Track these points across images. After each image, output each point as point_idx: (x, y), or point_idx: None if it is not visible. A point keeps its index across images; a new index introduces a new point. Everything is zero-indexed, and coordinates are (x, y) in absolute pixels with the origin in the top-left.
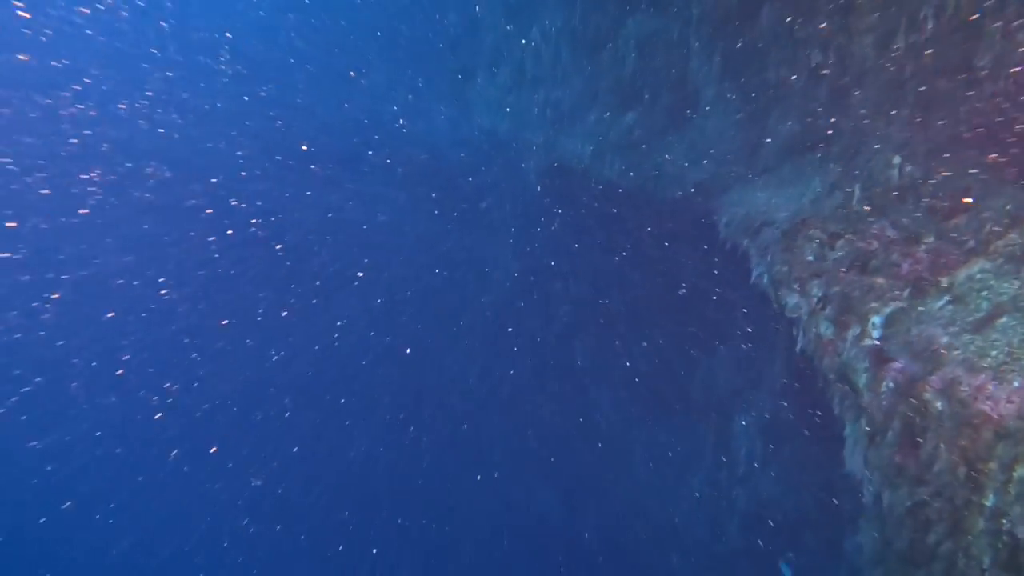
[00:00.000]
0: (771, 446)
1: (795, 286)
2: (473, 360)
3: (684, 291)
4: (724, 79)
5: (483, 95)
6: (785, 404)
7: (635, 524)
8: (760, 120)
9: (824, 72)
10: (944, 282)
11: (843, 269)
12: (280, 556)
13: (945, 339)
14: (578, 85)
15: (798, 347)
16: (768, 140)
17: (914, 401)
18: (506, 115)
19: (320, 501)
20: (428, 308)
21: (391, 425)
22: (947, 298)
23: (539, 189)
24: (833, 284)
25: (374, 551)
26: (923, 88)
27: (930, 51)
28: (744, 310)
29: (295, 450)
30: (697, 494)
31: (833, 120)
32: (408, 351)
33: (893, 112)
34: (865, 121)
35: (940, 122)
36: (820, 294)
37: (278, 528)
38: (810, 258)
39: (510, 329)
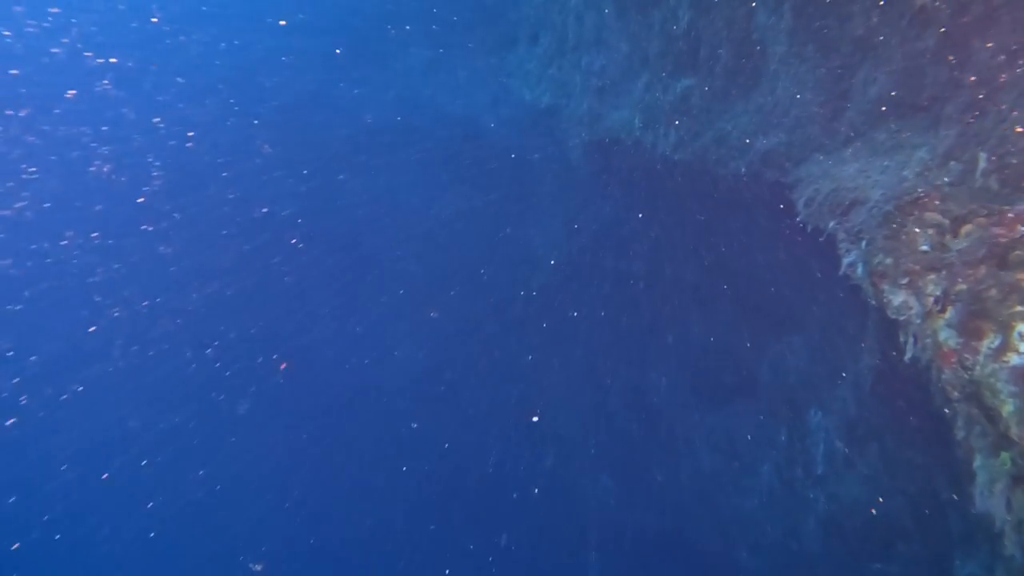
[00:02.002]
0: (855, 446)
1: (903, 281)
2: (525, 346)
3: (750, 275)
4: (797, 32)
5: (523, 67)
6: (872, 403)
7: (699, 515)
8: (844, 78)
9: (933, 13)
10: None
11: (973, 262)
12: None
13: None
14: (625, 49)
15: (908, 355)
16: (855, 102)
17: None
18: (548, 87)
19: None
20: (476, 293)
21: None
22: None
23: (586, 165)
24: (959, 281)
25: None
26: None
27: None
28: (820, 297)
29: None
30: (767, 488)
31: (946, 74)
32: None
33: None
34: (995, 72)
35: None
36: (940, 293)
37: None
38: (925, 247)
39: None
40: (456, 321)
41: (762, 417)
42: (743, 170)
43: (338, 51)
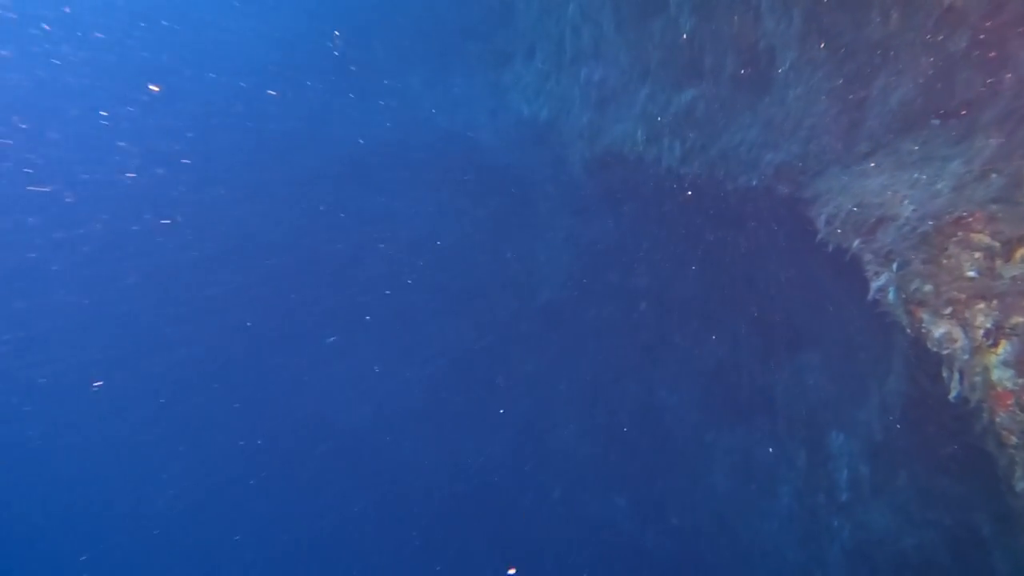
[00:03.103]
0: (881, 473)
1: (947, 312)
2: (531, 363)
3: (764, 292)
4: (808, 37)
5: (521, 81)
6: (901, 427)
7: (716, 538)
8: (862, 85)
9: (964, 13)
10: None
11: None
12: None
13: None
14: (625, 60)
15: (953, 394)
16: (875, 110)
17: None
18: (546, 101)
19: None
20: (479, 310)
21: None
22: None
23: (588, 181)
24: (1015, 312)
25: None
26: None
27: None
28: (838, 315)
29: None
30: (787, 512)
31: (980, 79)
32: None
33: None
34: None
35: None
36: (991, 325)
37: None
38: (972, 273)
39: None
40: (460, 339)
41: (779, 438)
42: (754, 183)
43: (336, 53)
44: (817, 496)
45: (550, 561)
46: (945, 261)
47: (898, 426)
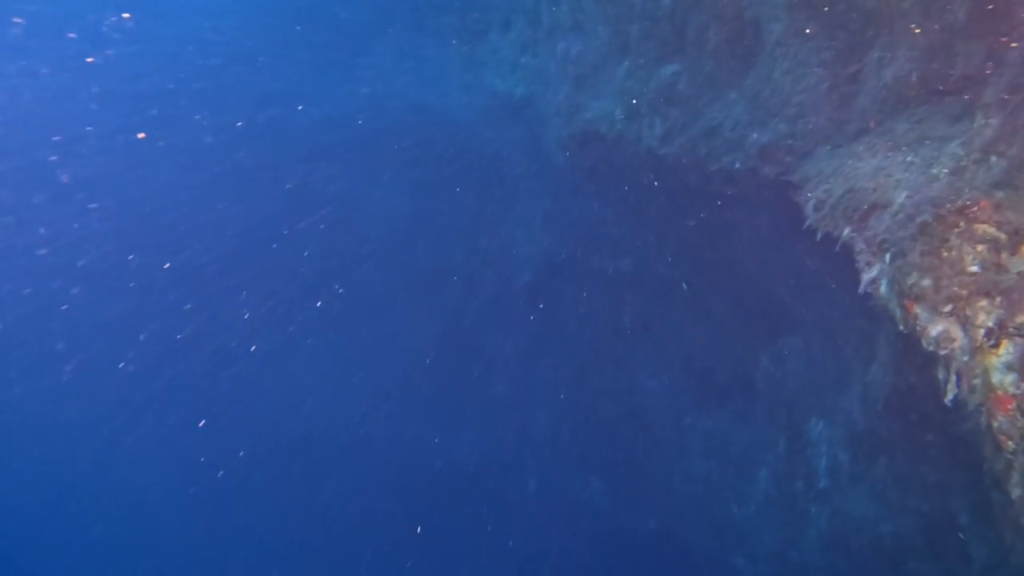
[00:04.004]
0: (862, 461)
1: (946, 309)
2: (509, 347)
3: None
4: (797, 7)
5: (496, 55)
6: (882, 416)
7: (693, 519)
8: (854, 59)
9: None
10: None
11: None
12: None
13: None
14: (604, 33)
15: (949, 397)
16: (868, 86)
17: None
18: (522, 76)
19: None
20: (456, 294)
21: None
22: None
23: (565, 160)
24: (1021, 311)
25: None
26: None
27: None
28: (821, 300)
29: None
30: (764, 496)
31: (983, 51)
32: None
33: None
34: None
35: None
36: (993, 324)
37: None
38: (975, 267)
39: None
40: (434, 324)
41: (758, 423)
42: (737, 165)
43: (299, 27)
44: (795, 482)
45: (529, 544)
46: (946, 253)
47: (880, 415)
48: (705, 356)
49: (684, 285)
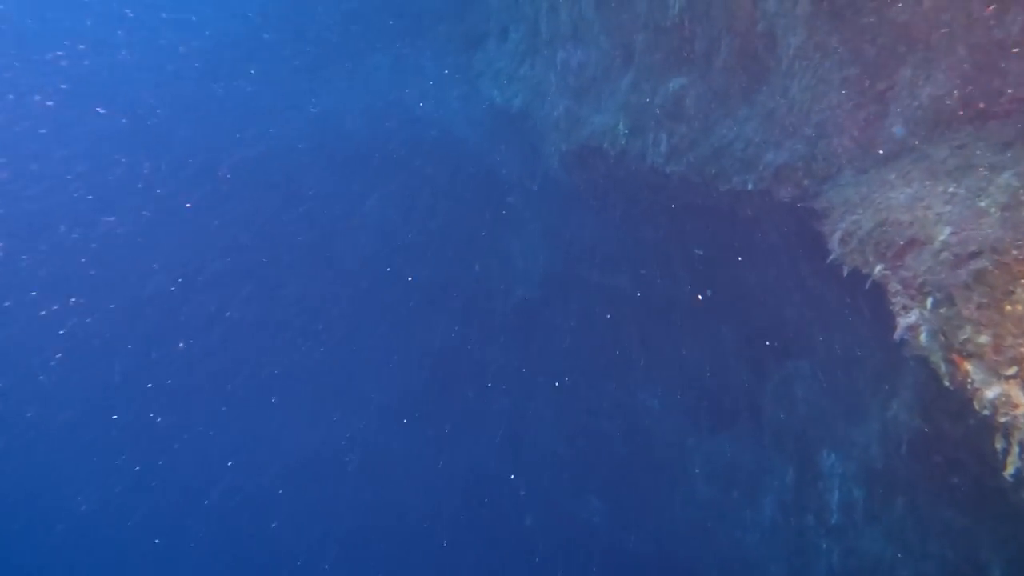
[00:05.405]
0: (878, 500)
1: (1009, 372)
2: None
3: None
4: (817, 19)
5: (493, 66)
6: (905, 454)
7: (695, 544)
8: (884, 76)
9: None
10: None
11: None
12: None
13: None
14: (606, 43)
15: (1010, 470)
16: (900, 106)
17: None
18: (520, 88)
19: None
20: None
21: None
22: None
23: (565, 177)
24: None
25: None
26: None
27: None
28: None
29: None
30: (770, 525)
31: None
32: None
33: None
34: None
35: None
36: None
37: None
38: None
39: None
40: (431, 339)
41: (765, 449)
42: (750, 186)
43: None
44: (806, 517)
45: (526, 563)
46: (1009, 308)
47: (902, 456)
48: (709, 377)
49: (700, 297)
